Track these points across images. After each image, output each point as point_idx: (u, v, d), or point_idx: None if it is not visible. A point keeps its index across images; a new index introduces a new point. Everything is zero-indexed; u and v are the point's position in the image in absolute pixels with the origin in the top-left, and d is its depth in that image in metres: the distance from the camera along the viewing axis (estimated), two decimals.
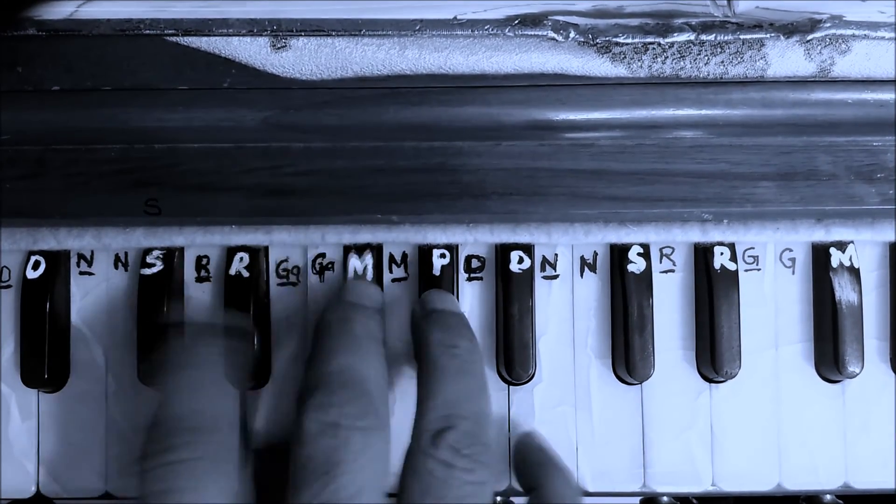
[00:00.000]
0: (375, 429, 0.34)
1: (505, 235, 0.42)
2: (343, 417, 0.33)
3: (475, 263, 0.43)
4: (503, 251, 0.42)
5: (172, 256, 0.42)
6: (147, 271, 0.41)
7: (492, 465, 0.35)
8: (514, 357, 0.41)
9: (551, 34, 0.39)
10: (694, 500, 0.43)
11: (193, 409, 0.34)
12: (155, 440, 0.33)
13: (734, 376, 0.41)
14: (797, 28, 0.39)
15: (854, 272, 0.42)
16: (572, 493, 0.38)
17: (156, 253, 0.42)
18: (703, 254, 0.42)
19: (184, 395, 0.35)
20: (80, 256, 0.42)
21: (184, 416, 0.34)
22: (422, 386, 0.37)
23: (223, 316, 0.41)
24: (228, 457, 0.33)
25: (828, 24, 0.39)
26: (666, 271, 0.43)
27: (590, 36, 0.39)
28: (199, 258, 0.42)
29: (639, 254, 0.42)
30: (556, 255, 0.43)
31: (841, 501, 0.43)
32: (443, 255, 0.42)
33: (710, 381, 0.42)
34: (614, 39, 0.39)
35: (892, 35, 0.39)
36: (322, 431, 0.33)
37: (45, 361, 0.41)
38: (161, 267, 0.41)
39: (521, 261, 0.42)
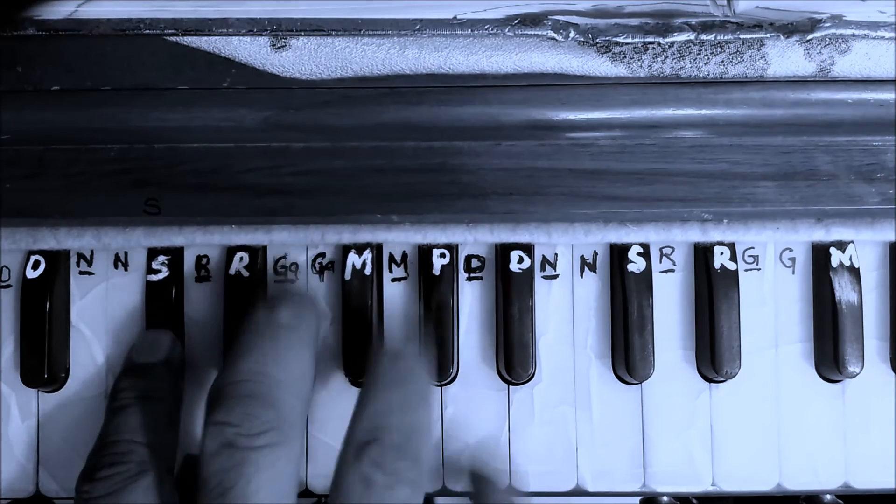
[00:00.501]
0: (276, 445, 0.33)
1: (505, 235, 0.42)
2: (239, 437, 0.33)
3: (475, 263, 0.43)
4: (503, 251, 0.42)
5: (177, 261, 0.42)
6: (153, 277, 0.42)
7: (418, 481, 0.34)
8: (513, 357, 0.41)
9: (551, 34, 0.39)
10: (694, 500, 0.43)
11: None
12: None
13: (734, 376, 0.41)
14: (797, 28, 0.39)
15: (854, 272, 0.42)
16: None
17: (161, 258, 0.42)
18: (703, 253, 0.42)
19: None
20: (80, 256, 0.42)
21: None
22: (361, 393, 0.36)
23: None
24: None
25: (828, 24, 0.39)
26: (666, 271, 0.43)
27: (590, 36, 0.39)
28: (198, 258, 0.42)
29: (639, 253, 0.42)
30: (556, 254, 0.43)
31: (841, 501, 0.43)
32: (443, 255, 0.42)
33: (710, 380, 0.42)
34: (614, 39, 0.39)
35: (892, 35, 0.39)
36: (217, 451, 0.33)
37: (44, 361, 0.41)
38: (167, 273, 0.42)
39: (520, 260, 0.42)
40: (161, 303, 0.42)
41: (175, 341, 0.41)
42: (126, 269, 0.42)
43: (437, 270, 0.42)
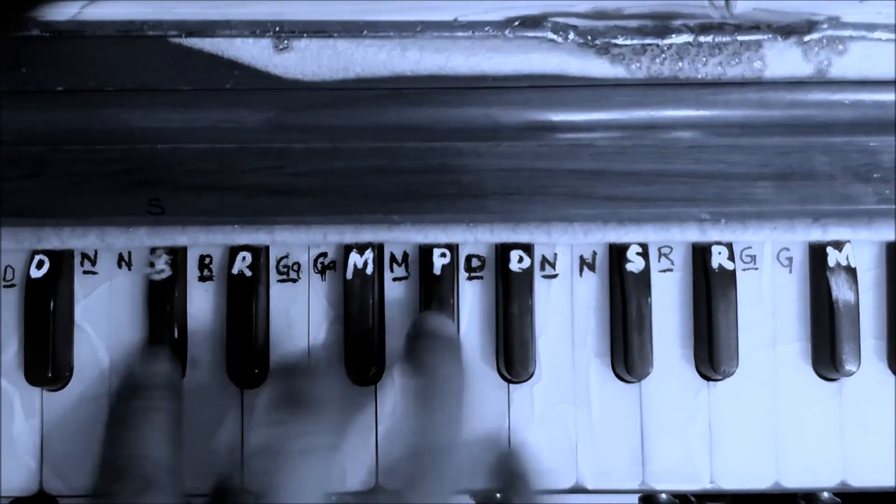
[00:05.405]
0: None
1: (505, 235, 0.42)
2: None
3: (475, 263, 0.43)
4: (503, 250, 0.42)
5: (178, 260, 0.42)
6: (156, 277, 0.42)
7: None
8: (513, 356, 0.41)
9: (551, 35, 0.39)
10: (692, 498, 0.44)
11: None
12: None
13: (732, 375, 0.42)
14: (795, 29, 0.39)
15: (851, 271, 0.42)
16: None
17: (164, 258, 0.42)
18: (701, 253, 0.42)
19: None
20: (84, 256, 0.43)
21: None
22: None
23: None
24: None
25: (825, 26, 0.39)
26: (664, 270, 0.43)
27: (589, 37, 0.39)
28: (201, 257, 0.43)
29: (637, 253, 0.42)
30: (556, 254, 0.43)
31: (839, 499, 0.43)
32: (443, 255, 0.42)
33: (708, 379, 0.43)
34: (613, 41, 0.39)
35: (890, 36, 0.39)
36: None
37: (48, 360, 0.41)
38: (169, 273, 0.42)
39: (520, 260, 0.42)
40: (163, 302, 0.42)
41: (175, 367, 0.40)
42: (129, 269, 0.42)
43: (437, 270, 0.42)
